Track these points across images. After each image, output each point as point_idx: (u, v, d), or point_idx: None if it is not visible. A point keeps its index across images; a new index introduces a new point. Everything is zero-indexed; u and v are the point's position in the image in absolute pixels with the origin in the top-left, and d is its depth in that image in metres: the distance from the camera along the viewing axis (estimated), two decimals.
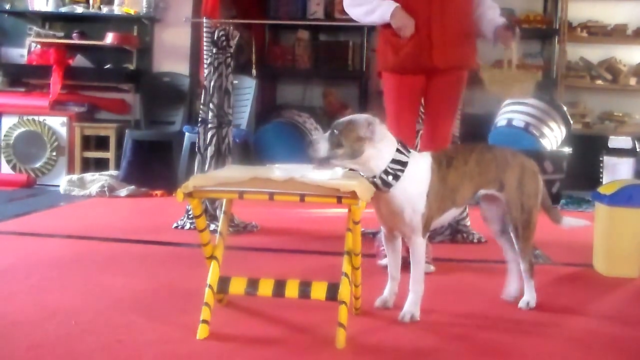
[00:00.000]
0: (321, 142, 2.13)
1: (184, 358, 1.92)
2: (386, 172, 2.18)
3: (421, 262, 2.32)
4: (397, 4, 2.85)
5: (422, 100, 3.09)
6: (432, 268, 2.90)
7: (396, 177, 2.18)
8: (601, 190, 3.10)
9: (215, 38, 3.79)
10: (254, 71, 5.47)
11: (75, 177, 5.21)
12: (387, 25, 2.91)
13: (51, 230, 3.65)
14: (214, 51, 3.80)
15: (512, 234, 2.43)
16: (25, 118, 5.47)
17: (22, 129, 5.48)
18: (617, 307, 2.61)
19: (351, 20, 3.11)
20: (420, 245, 2.29)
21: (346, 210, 2.10)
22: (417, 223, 2.24)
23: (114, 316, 2.23)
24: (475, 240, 3.59)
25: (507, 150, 2.45)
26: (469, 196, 2.39)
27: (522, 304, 2.46)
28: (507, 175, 2.36)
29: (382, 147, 2.18)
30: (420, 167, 2.25)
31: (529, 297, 2.46)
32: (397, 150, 2.21)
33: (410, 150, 2.28)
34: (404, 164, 2.20)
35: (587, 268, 3.12)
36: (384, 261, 2.98)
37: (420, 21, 2.87)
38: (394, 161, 2.19)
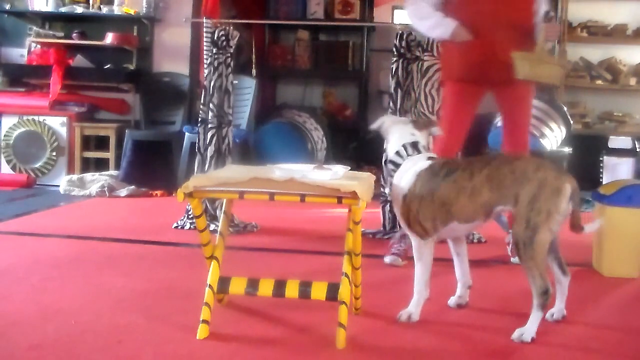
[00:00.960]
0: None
1: (184, 358, 1.92)
2: (388, 168, 2.39)
3: (419, 261, 2.31)
4: (457, 23, 2.89)
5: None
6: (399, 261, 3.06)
7: (391, 176, 2.37)
8: (601, 190, 3.10)
9: (215, 38, 3.79)
10: (254, 71, 5.47)
11: (75, 177, 5.21)
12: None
13: (51, 230, 3.64)
14: (214, 51, 3.80)
15: (516, 252, 2.29)
16: (25, 118, 5.46)
17: (22, 129, 5.48)
18: (617, 307, 2.62)
19: (351, 20, 3.14)
20: (414, 244, 2.32)
21: (346, 210, 2.10)
22: (402, 222, 2.35)
23: (114, 316, 2.23)
24: (475, 240, 3.59)
25: (532, 162, 2.25)
26: (476, 212, 2.24)
27: (515, 334, 2.16)
28: (524, 191, 2.17)
29: (388, 148, 2.43)
30: (412, 169, 2.29)
31: (527, 328, 2.16)
32: (396, 152, 2.36)
33: (419, 152, 2.34)
34: (397, 165, 2.36)
35: (587, 268, 3.12)
36: (387, 259, 3.07)
37: (486, 27, 2.89)
38: (390, 162, 2.39)
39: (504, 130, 3.16)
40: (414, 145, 2.36)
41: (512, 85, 2.93)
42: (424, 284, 2.32)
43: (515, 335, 2.15)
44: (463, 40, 2.90)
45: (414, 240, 2.33)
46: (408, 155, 2.34)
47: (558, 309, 2.38)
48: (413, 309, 2.29)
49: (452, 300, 2.48)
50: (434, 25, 2.98)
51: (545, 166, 2.22)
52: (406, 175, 2.29)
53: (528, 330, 2.15)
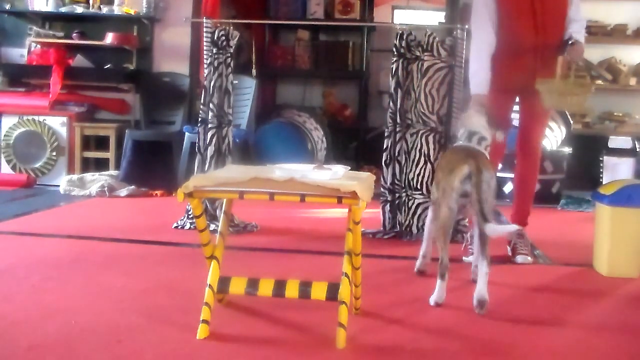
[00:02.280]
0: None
1: (184, 358, 1.92)
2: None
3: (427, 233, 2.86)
4: (483, 93, 3.08)
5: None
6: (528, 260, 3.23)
7: None
8: (601, 190, 3.10)
9: (215, 38, 3.80)
10: (254, 71, 5.47)
11: (75, 177, 5.21)
12: (497, 47, 3.16)
13: (51, 230, 3.65)
14: (214, 51, 3.80)
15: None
16: (25, 118, 5.46)
17: (22, 129, 5.48)
18: (617, 307, 2.62)
19: (351, 20, 3.19)
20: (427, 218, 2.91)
21: (346, 210, 2.10)
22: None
23: (114, 316, 2.23)
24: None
25: (454, 151, 2.69)
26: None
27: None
28: (438, 175, 2.67)
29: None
30: None
31: (433, 295, 2.45)
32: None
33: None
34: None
35: (587, 268, 3.12)
36: (469, 258, 3.11)
37: (528, 49, 3.16)
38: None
39: (520, 130, 3.37)
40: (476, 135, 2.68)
41: (538, 95, 3.10)
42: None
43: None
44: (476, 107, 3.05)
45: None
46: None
47: (478, 294, 2.40)
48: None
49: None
50: (474, 73, 3.15)
51: (459, 152, 2.56)
52: None
53: (433, 296, 2.44)
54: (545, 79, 3.04)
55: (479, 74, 3.13)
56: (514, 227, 2.73)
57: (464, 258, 3.18)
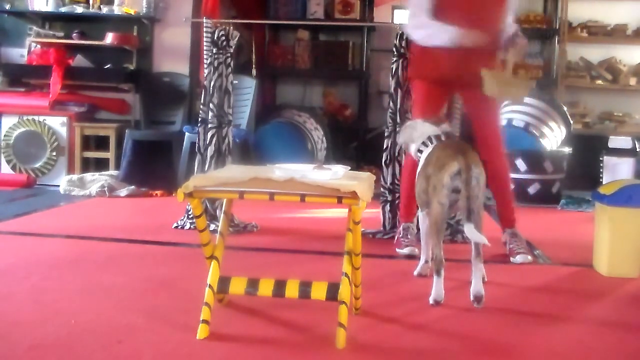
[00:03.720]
0: (400, 133, 2.97)
1: (184, 358, 1.92)
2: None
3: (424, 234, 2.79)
4: (456, 28, 3.03)
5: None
6: (416, 251, 3.18)
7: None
8: (601, 190, 3.10)
9: (215, 38, 3.79)
10: (254, 71, 5.48)
11: (75, 177, 5.21)
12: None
13: (51, 230, 3.65)
14: (214, 51, 3.80)
15: None
16: (25, 118, 5.47)
17: (22, 129, 5.48)
18: (617, 307, 2.61)
19: (351, 20, 3.21)
20: (421, 220, 2.83)
21: (346, 210, 2.10)
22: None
23: (114, 316, 2.23)
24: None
25: (444, 146, 2.70)
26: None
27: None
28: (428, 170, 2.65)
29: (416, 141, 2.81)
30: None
31: (432, 293, 2.46)
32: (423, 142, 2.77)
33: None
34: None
35: (587, 268, 3.12)
36: (405, 250, 3.22)
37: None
38: (418, 150, 2.78)
39: (475, 132, 3.32)
40: (437, 137, 2.74)
41: (479, 89, 3.08)
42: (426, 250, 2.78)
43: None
44: (475, 39, 3.02)
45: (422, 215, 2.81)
46: (432, 143, 2.71)
47: (474, 289, 2.45)
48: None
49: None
50: (434, 34, 3.11)
51: (449, 148, 2.56)
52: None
53: (432, 295, 2.44)
54: (488, 69, 3.06)
55: (441, 29, 3.07)
56: (484, 241, 2.44)
57: (397, 250, 3.27)
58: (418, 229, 2.96)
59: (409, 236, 3.32)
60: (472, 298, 2.44)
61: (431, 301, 2.44)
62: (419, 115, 3.15)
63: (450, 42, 3.07)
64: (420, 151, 2.79)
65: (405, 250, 3.24)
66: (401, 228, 3.40)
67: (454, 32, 3.06)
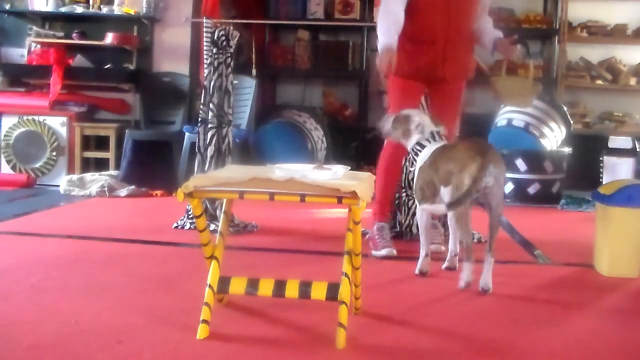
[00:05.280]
0: (387, 121, 2.92)
1: (184, 358, 1.92)
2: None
3: (421, 230, 2.88)
4: (392, 46, 3.04)
5: (425, 104, 3.43)
6: (393, 252, 3.19)
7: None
8: (601, 190, 3.10)
9: (215, 38, 3.79)
10: (254, 71, 5.47)
11: (75, 177, 5.21)
12: (405, 38, 3.14)
13: (51, 230, 3.65)
14: (214, 51, 3.80)
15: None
16: (25, 118, 5.47)
17: (22, 129, 5.48)
18: (617, 307, 2.61)
19: (351, 20, 3.23)
20: (419, 215, 2.90)
21: (346, 210, 2.10)
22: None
23: (114, 316, 2.23)
24: (475, 240, 3.59)
25: (464, 147, 2.74)
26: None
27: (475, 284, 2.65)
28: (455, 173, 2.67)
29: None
30: (425, 153, 2.78)
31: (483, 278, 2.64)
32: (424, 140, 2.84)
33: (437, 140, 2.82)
34: (423, 147, 2.81)
35: (587, 268, 3.12)
36: (382, 252, 3.20)
37: (439, 36, 3.19)
38: (418, 144, 2.83)
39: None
40: (439, 134, 2.86)
41: (446, 83, 3.25)
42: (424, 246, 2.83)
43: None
44: (383, 62, 3.04)
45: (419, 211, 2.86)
46: (435, 141, 2.82)
47: (483, 281, 2.64)
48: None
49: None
50: (382, 30, 3.10)
51: (468, 149, 2.61)
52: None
53: (463, 278, 2.66)
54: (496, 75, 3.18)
55: (389, 25, 3.09)
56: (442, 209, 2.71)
57: (373, 252, 3.24)
58: (446, 226, 3.16)
59: (384, 236, 3.27)
60: (480, 289, 2.62)
61: (462, 284, 2.65)
62: (397, 109, 3.19)
63: (378, 44, 3.11)
64: (420, 145, 2.83)
65: (383, 252, 3.18)
66: (375, 228, 3.32)
67: (382, 42, 3.07)
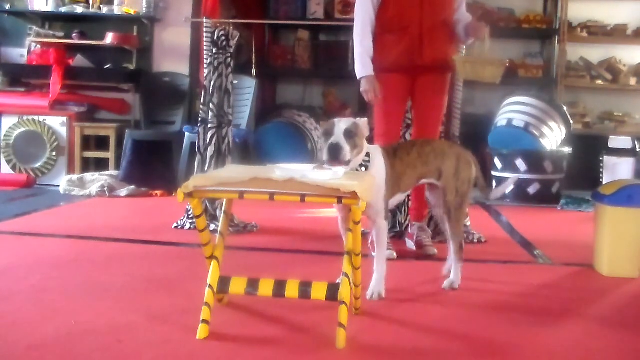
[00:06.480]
0: (344, 147, 2.31)
1: (184, 358, 1.92)
2: (361, 164, 2.43)
3: (384, 244, 2.54)
4: (371, 74, 3.17)
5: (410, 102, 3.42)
6: (394, 255, 3.14)
7: (366, 167, 2.44)
8: (601, 190, 3.10)
9: (215, 38, 3.80)
10: (254, 71, 5.47)
11: (75, 177, 5.21)
12: (381, 29, 3.17)
13: (51, 230, 3.65)
14: (214, 51, 3.80)
15: (445, 216, 2.67)
16: (25, 118, 5.47)
17: (22, 129, 5.48)
18: (618, 307, 2.61)
19: (351, 20, 3.24)
20: (384, 228, 2.54)
21: None
22: (381, 206, 2.49)
23: (114, 316, 2.23)
24: (475, 240, 3.59)
25: (444, 142, 2.83)
26: (413, 183, 2.66)
27: (446, 284, 2.64)
28: (445, 165, 2.63)
29: (364, 143, 2.45)
30: (379, 157, 2.50)
31: (455, 278, 2.65)
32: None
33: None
34: (368, 155, 2.46)
35: (587, 268, 3.12)
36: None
37: (413, 22, 3.18)
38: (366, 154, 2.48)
39: (414, 120, 3.39)
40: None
41: (428, 72, 3.23)
42: (384, 263, 2.54)
43: (447, 284, 2.64)
44: (367, 89, 3.18)
45: (384, 223, 2.53)
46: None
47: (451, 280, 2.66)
48: (379, 287, 2.48)
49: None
50: (357, 56, 3.20)
51: (453, 144, 2.63)
52: (380, 162, 2.49)
53: (457, 279, 2.65)
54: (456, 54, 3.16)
55: (363, 56, 3.17)
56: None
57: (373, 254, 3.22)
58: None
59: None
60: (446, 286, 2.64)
61: (447, 285, 2.66)
62: (383, 107, 3.26)
63: (357, 73, 3.21)
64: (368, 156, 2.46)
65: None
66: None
67: (360, 70, 3.17)
